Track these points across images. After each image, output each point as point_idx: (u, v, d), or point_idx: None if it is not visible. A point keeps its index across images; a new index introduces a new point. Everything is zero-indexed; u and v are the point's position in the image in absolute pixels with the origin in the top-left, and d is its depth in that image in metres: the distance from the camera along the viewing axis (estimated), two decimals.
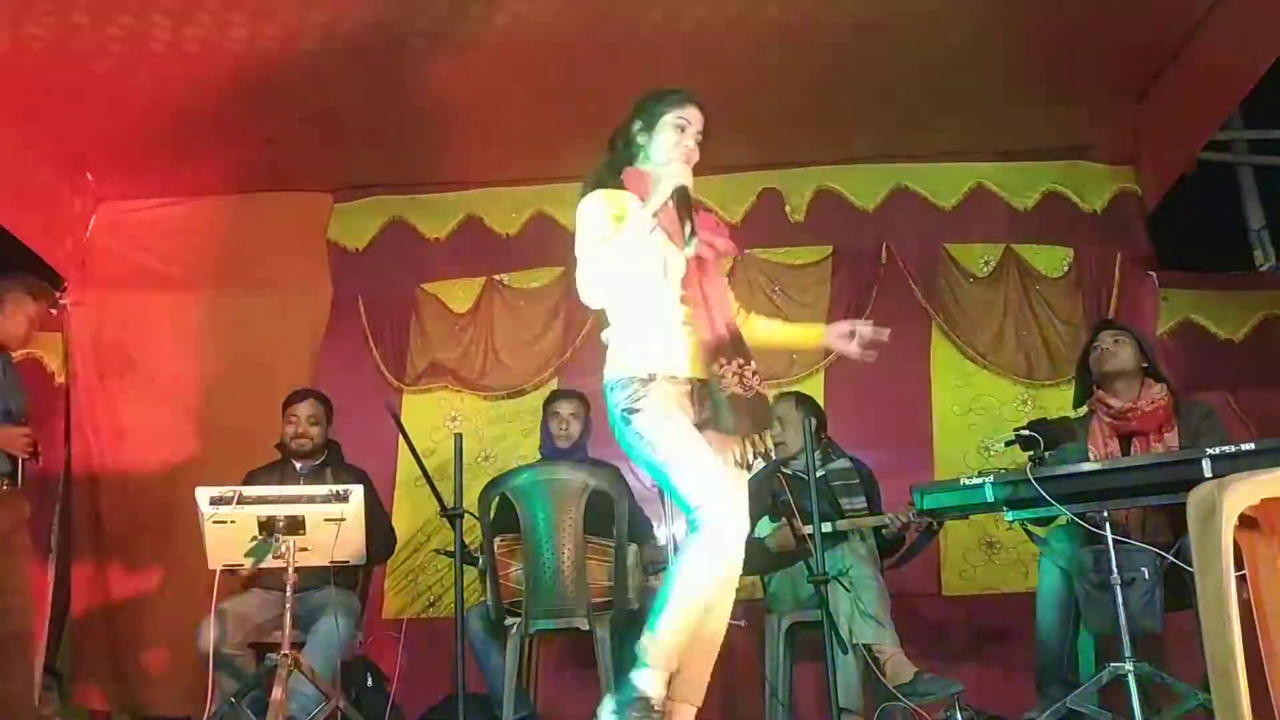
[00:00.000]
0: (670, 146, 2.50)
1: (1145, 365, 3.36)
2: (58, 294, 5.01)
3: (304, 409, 4.00)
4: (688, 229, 2.38)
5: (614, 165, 2.57)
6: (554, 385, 4.70)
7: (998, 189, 4.97)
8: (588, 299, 2.44)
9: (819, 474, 3.45)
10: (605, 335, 2.52)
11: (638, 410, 2.38)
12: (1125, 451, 3.27)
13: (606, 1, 3.87)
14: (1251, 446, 2.67)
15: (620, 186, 2.51)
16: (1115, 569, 2.85)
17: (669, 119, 2.51)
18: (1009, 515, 3.04)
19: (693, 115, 2.52)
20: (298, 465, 3.99)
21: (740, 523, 2.31)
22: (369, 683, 3.84)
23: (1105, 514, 2.88)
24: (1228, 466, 2.58)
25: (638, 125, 2.55)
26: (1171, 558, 2.86)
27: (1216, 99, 4.36)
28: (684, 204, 2.39)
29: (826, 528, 3.59)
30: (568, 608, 3.38)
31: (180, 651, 4.15)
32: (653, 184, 2.41)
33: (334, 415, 4.11)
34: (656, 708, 2.21)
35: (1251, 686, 1.63)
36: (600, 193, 2.51)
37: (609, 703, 2.26)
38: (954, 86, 4.40)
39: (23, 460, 3.52)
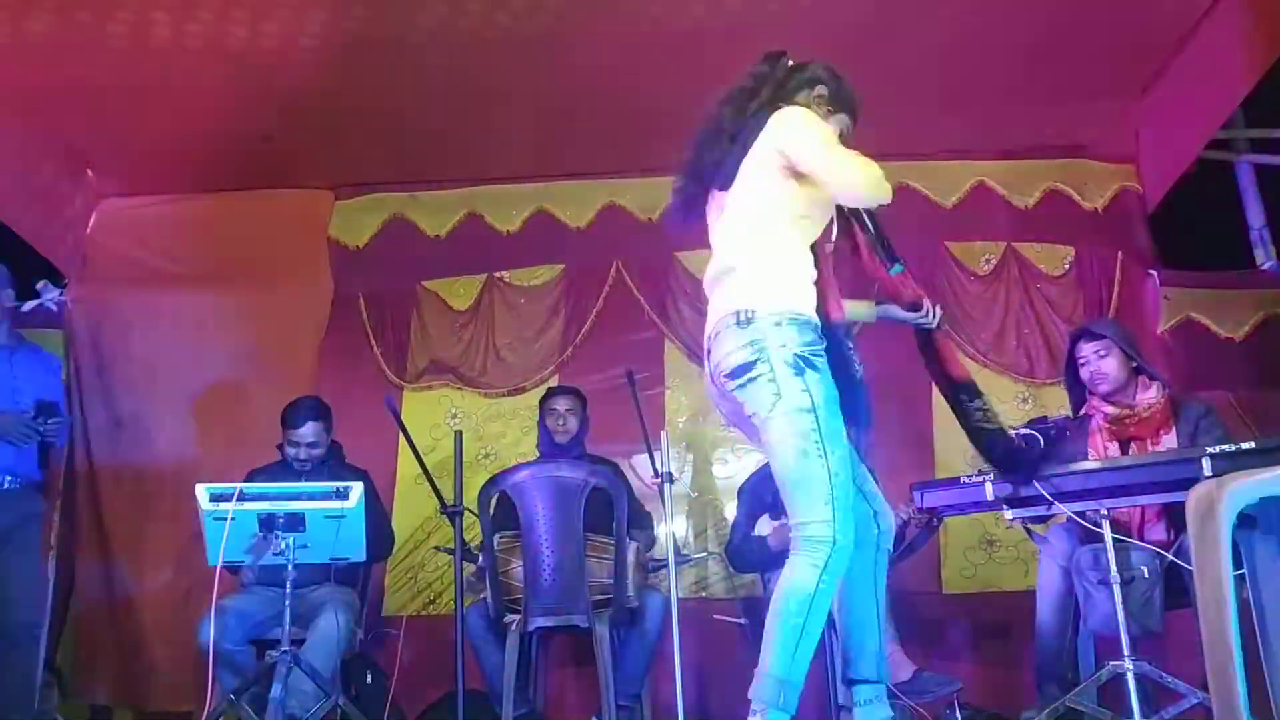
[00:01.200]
0: None
1: (1134, 365, 3.32)
2: (59, 290, 5.04)
3: (303, 435, 3.86)
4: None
5: (774, 99, 2.36)
6: (555, 383, 4.70)
7: (998, 187, 4.98)
8: (852, 183, 2.17)
9: None
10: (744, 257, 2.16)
11: (818, 369, 2.05)
12: (1124, 454, 3.26)
13: (606, 0, 3.87)
14: (1251, 445, 2.66)
15: None
16: (1114, 568, 2.85)
17: (846, 120, 2.42)
18: (1009, 514, 3.04)
19: (851, 130, 2.42)
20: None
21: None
22: (369, 680, 3.84)
23: (1105, 513, 2.88)
24: (1227, 465, 2.58)
25: (825, 92, 2.40)
26: (1171, 556, 2.87)
27: (1217, 98, 4.37)
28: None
29: None
30: (567, 605, 3.39)
31: (181, 647, 4.15)
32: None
33: (333, 424, 4.00)
34: None
35: (1251, 686, 1.63)
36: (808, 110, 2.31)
37: None
38: (954, 85, 4.40)
39: (45, 448, 3.57)
